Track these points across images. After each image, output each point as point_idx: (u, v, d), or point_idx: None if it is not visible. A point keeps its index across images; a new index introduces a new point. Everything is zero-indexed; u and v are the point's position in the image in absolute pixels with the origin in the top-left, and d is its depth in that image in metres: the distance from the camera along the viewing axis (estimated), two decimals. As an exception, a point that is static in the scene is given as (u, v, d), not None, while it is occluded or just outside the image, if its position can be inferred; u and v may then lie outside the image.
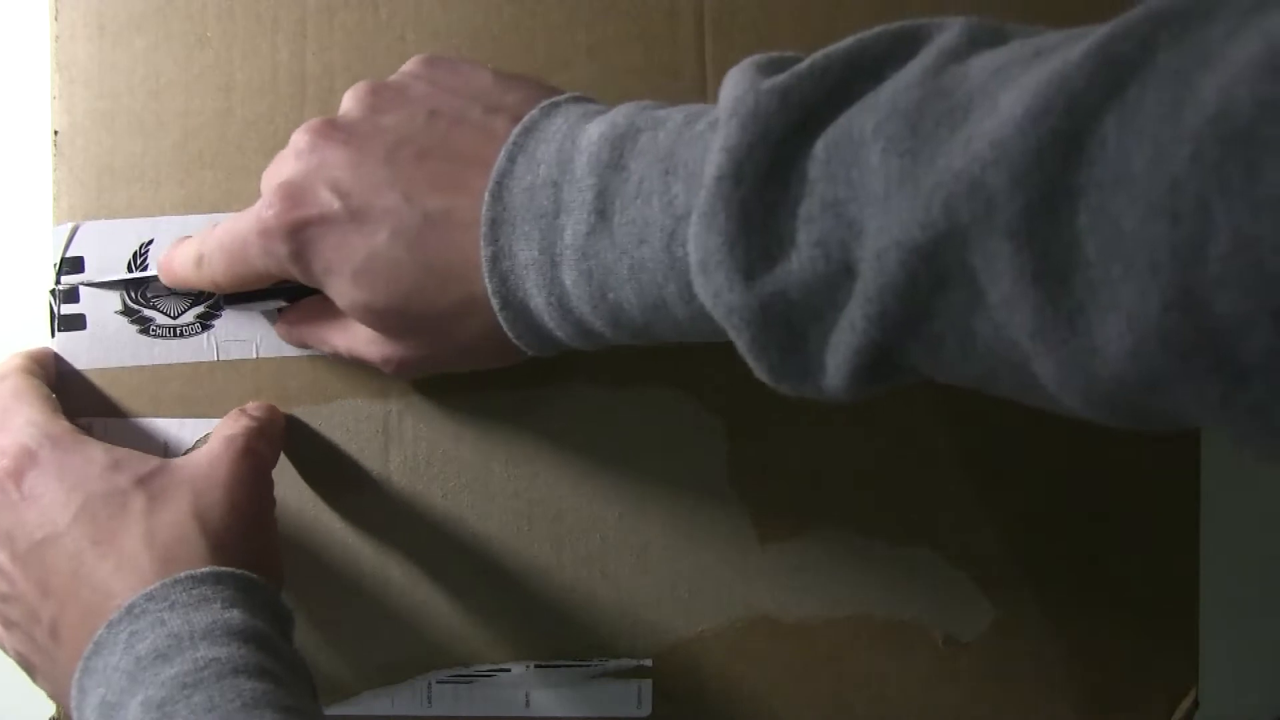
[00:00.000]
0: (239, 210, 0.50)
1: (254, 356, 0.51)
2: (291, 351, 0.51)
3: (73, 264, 0.51)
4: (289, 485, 0.52)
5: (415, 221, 0.42)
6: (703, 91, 0.52)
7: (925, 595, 0.52)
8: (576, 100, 0.44)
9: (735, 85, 0.37)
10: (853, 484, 0.52)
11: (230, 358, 0.51)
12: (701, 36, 0.52)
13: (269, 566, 0.47)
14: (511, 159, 0.41)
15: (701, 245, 0.36)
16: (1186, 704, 0.53)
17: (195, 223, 0.51)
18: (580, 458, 0.52)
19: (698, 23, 0.52)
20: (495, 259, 0.41)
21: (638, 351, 0.51)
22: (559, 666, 0.53)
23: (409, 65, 0.47)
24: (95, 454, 0.46)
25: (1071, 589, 0.53)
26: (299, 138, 0.45)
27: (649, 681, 0.53)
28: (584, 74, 0.52)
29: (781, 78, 0.36)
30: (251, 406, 0.50)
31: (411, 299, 0.43)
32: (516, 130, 0.42)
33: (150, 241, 0.51)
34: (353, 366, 0.51)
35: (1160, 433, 0.37)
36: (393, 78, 0.46)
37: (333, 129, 0.44)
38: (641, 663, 0.53)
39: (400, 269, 0.42)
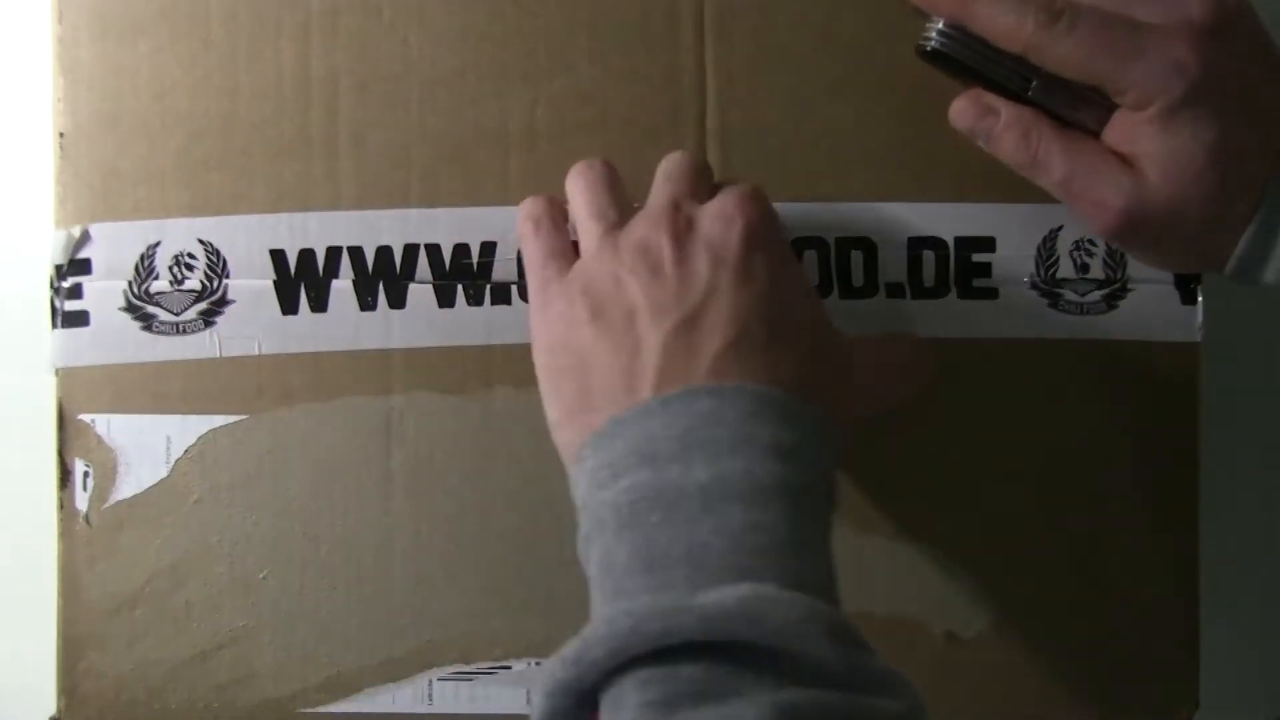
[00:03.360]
0: (246, 213, 0.51)
1: (256, 353, 0.51)
2: (294, 348, 0.51)
3: (80, 266, 0.51)
4: (289, 484, 0.52)
5: None
6: (702, 93, 0.52)
7: (925, 593, 0.52)
8: None
9: None
10: (853, 483, 0.52)
11: (233, 354, 0.51)
12: (701, 39, 0.52)
13: None
14: None
15: None
16: (1187, 704, 0.53)
17: (203, 225, 0.52)
18: (581, 457, 0.52)
19: (698, 25, 0.52)
20: None
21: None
22: (560, 665, 0.53)
23: None
24: None
25: (1071, 588, 0.53)
26: None
27: (650, 680, 0.53)
28: (585, 76, 0.52)
29: None
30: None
31: None
32: None
33: (158, 244, 0.52)
34: (354, 365, 0.51)
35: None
36: None
37: None
38: (642, 662, 0.53)
39: None
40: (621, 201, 0.48)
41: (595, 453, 0.43)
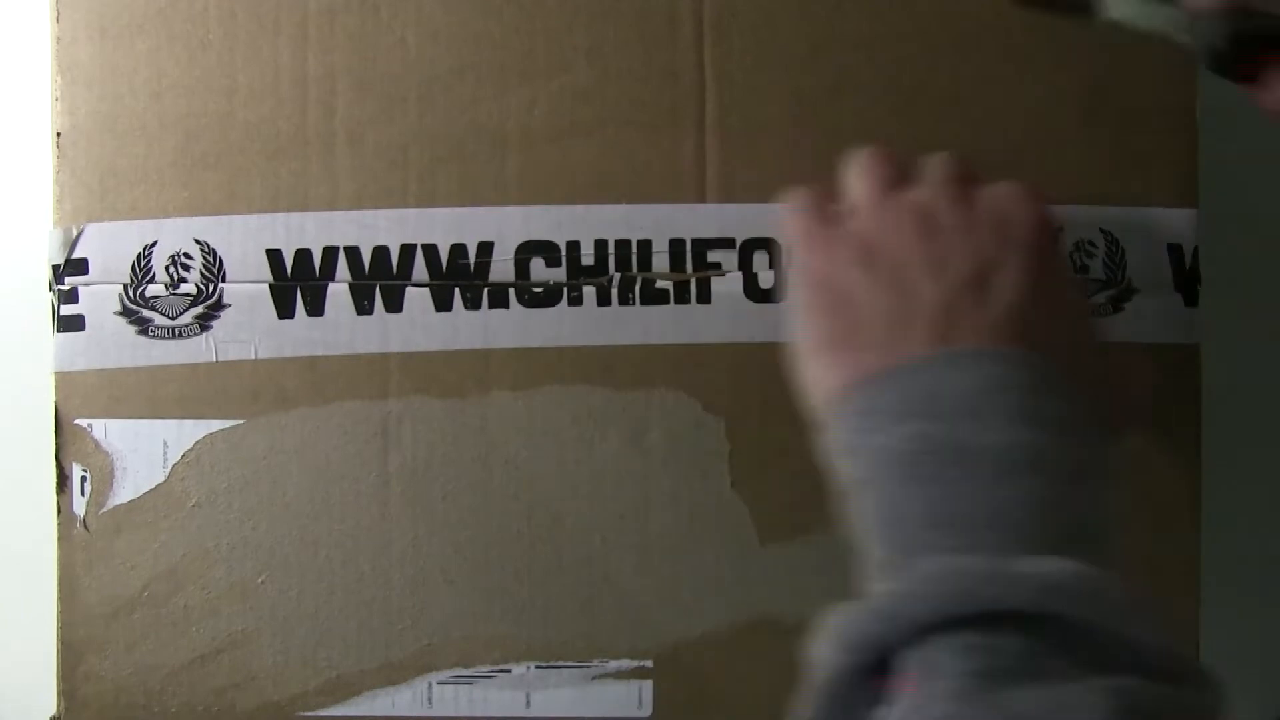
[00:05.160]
0: (243, 213, 0.51)
1: (252, 357, 0.51)
2: (290, 353, 0.51)
3: (77, 265, 0.51)
4: (288, 486, 0.52)
5: None
6: (701, 94, 0.52)
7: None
8: None
9: None
10: (852, 485, 0.52)
11: (228, 358, 0.51)
12: (701, 39, 0.52)
13: None
14: None
15: None
16: (1187, 705, 0.53)
17: (200, 224, 0.51)
18: (580, 458, 0.52)
19: (696, 25, 0.52)
20: None
21: (638, 352, 0.52)
22: (560, 667, 0.53)
23: None
24: None
25: (1072, 589, 0.53)
26: None
27: (649, 682, 0.53)
28: (584, 77, 0.52)
29: None
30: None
31: None
32: None
33: (154, 243, 0.51)
34: (350, 369, 0.51)
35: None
36: None
37: None
38: (642, 664, 0.53)
39: None
40: (900, 175, 0.47)
41: (868, 396, 0.42)
